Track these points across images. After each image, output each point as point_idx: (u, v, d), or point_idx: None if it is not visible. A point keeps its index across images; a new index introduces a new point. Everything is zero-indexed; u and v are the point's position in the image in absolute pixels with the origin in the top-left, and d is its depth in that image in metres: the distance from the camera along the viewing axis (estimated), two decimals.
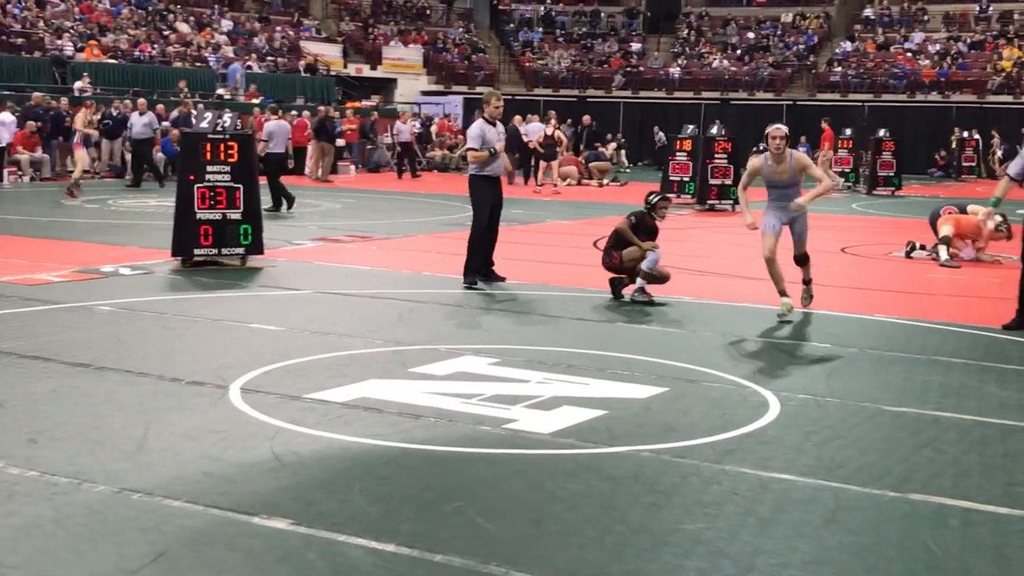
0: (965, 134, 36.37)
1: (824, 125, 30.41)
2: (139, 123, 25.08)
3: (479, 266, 11.58)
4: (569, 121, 34.48)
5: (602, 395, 7.00)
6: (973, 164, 36.36)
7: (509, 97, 43.94)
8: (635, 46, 48.10)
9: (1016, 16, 43.73)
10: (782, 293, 10.07)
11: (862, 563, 4.47)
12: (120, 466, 5.40)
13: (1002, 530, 4.84)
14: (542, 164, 28.37)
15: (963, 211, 15.13)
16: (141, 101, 26.28)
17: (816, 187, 10.30)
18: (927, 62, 42.40)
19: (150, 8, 38.56)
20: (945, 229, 14.57)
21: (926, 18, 45.44)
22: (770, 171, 10.12)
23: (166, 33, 37.08)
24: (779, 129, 10.05)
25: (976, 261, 14.52)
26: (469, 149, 11.86)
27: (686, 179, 23.60)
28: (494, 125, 11.71)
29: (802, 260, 10.31)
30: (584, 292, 11.27)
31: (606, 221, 19.17)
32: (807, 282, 10.32)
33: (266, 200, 16.41)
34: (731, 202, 22.37)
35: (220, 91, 33.12)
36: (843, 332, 9.55)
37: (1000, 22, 43.81)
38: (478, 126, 11.71)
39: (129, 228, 16.44)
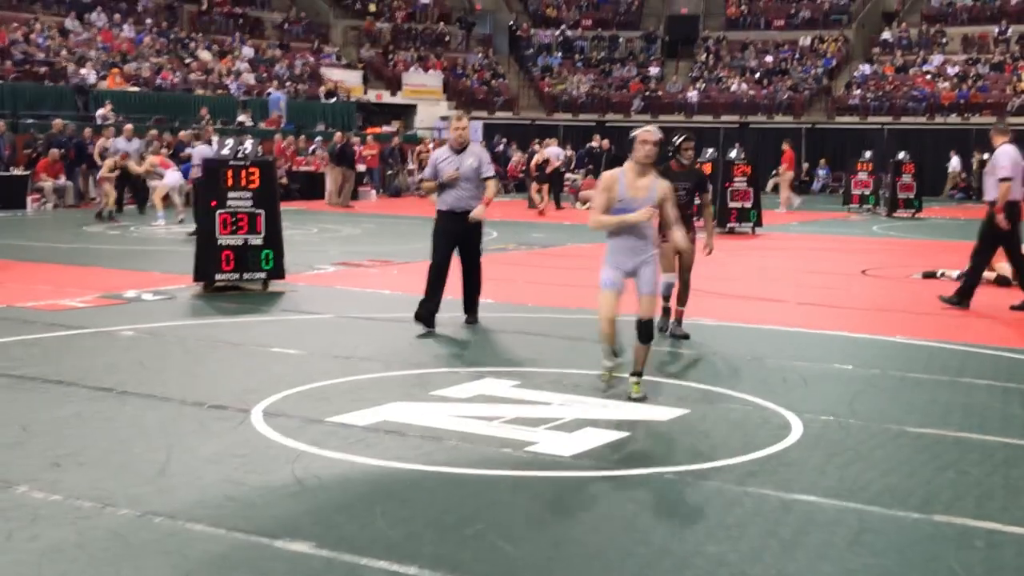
0: (986, 156, 36.23)
1: (785, 146, 30.36)
2: (129, 148, 24.95)
3: (433, 308, 10.23)
4: (568, 146, 34.64)
5: (624, 417, 6.99)
6: None
7: (528, 122, 44.34)
8: (653, 70, 48.20)
9: None
10: (615, 353, 7.79)
11: None
12: (143, 490, 5.42)
13: None
14: (534, 185, 28.89)
15: None
16: (128, 127, 26.30)
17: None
18: (946, 84, 42.33)
19: (172, 36, 38.90)
20: (1002, 268, 14.24)
21: (945, 40, 45.37)
22: (626, 188, 7.60)
23: (187, 61, 37.38)
24: (650, 132, 7.76)
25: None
26: (421, 179, 11.03)
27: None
28: (459, 152, 10.24)
29: (646, 332, 7.50)
30: None
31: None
32: (638, 373, 7.52)
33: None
34: (751, 225, 22.37)
35: (241, 118, 33.33)
36: (865, 353, 9.51)
37: (1019, 44, 43.69)
38: (435, 153, 10.53)
39: (151, 254, 16.53)
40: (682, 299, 10.07)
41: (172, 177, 22.13)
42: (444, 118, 43.67)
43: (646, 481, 5.70)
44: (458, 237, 10.32)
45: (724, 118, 43.61)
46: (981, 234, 12.50)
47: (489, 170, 10.40)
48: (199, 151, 20.50)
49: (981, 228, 12.51)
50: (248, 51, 40.54)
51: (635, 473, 5.84)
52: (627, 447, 6.33)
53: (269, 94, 36.67)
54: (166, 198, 21.95)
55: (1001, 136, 12.60)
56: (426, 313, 10.20)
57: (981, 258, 12.49)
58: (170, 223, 21.25)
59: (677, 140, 10.29)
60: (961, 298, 12.31)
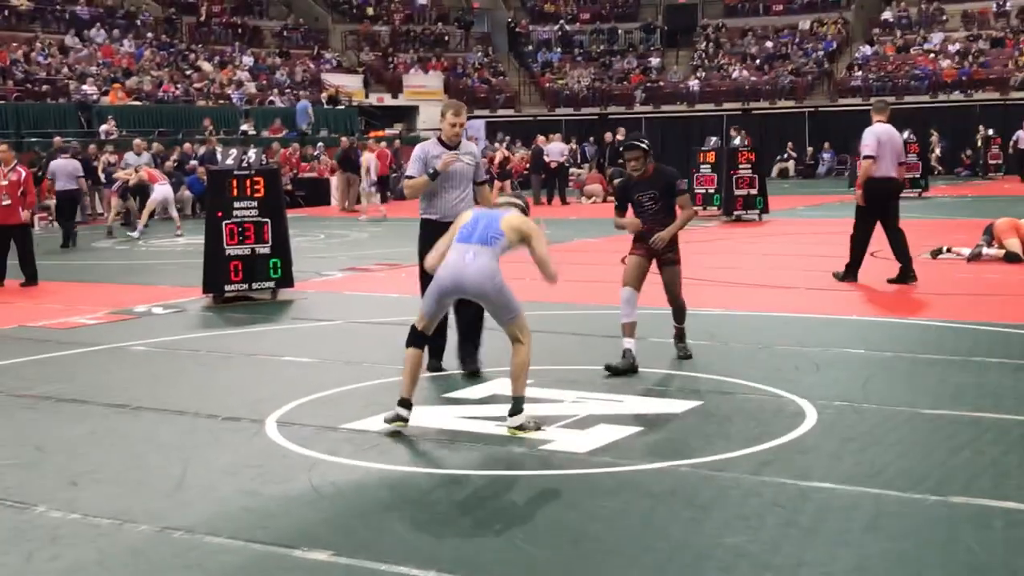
0: (991, 132, 36.16)
1: (732, 133, 30.37)
2: (140, 162, 24.86)
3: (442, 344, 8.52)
4: (574, 141, 34.77)
5: (637, 412, 7.00)
6: (999, 162, 36.14)
7: (530, 118, 44.32)
8: (654, 61, 48.13)
9: None
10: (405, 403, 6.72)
11: (905, 569, 4.44)
12: (160, 505, 5.44)
13: None
14: (496, 183, 29.18)
15: None
16: (137, 141, 26.13)
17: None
18: (948, 62, 42.21)
19: (172, 49, 38.97)
20: (1012, 244, 14.26)
21: (944, 18, 45.22)
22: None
23: (188, 73, 37.45)
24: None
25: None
26: (406, 177, 8.65)
27: (711, 191, 23.59)
28: (448, 148, 8.45)
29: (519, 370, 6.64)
30: (613, 309, 11.25)
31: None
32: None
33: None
34: (757, 212, 22.33)
35: (244, 127, 33.40)
36: (876, 336, 9.50)
37: (1020, 18, 43.53)
38: (422, 147, 8.59)
39: (160, 268, 16.57)
40: (678, 316, 8.84)
41: (160, 191, 22.36)
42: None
43: (662, 475, 5.70)
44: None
45: (726, 105, 43.52)
46: (856, 211, 12.96)
47: (482, 173, 8.87)
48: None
49: (856, 205, 12.98)
50: (248, 60, 40.60)
51: (651, 467, 5.84)
52: (642, 441, 6.34)
53: (297, 103, 37.14)
54: (152, 212, 22.55)
55: (877, 115, 13.06)
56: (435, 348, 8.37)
57: (858, 234, 12.86)
58: (171, 235, 21.53)
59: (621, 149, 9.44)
60: (847, 273, 12.72)
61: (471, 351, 8.49)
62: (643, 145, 8.42)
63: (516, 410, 6.57)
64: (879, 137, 12.65)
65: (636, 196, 8.57)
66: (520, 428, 6.51)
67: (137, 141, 26.36)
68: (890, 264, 14.70)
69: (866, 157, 12.73)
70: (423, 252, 7.79)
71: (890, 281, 12.52)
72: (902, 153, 12.96)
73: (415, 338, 6.90)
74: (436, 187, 8.37)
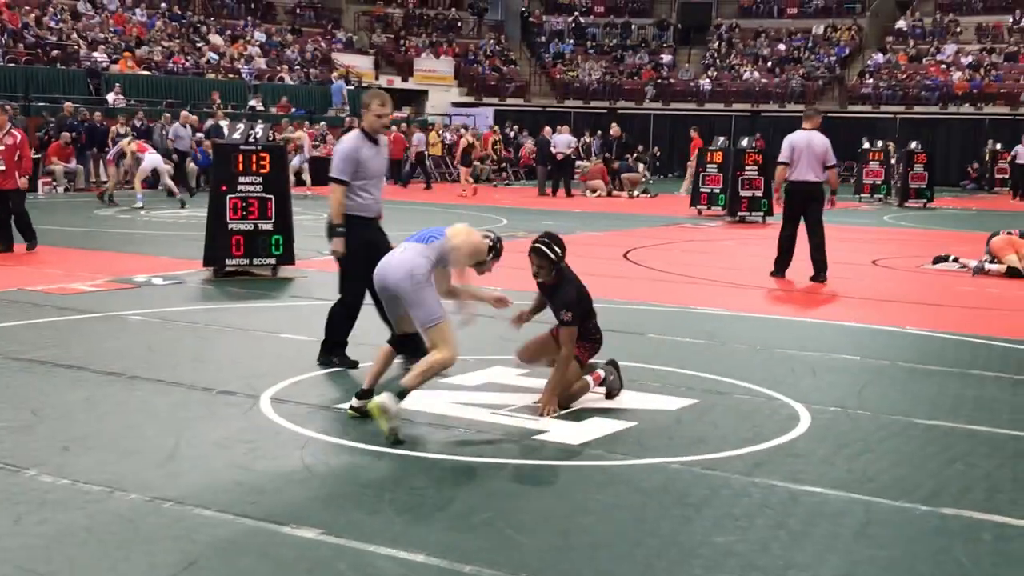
0: (998, 146, 36.15)
1: (692, 133, 30.36)
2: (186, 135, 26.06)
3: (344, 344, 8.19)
4: (588, 133, 34.73)
5: (632, 406, 6.99)
6: (1006, 176, 36.13)
7: (539, 108, 44.28)
8: (666, 58, 48.07)
9: None
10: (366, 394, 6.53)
11: None
12: (152, 475, 5.44)
13: None
14: (464, 170, 30.08)
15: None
16: (184, 113, 26.89)
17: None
18: (960, 74, 42.15)
19: (184, 20, 38.90)
20: (1011, 260, 14.27)
21: (959, 30, 45.16)
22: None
23: (199, 45, 37.38)
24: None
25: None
26: (333, 180, 7.87)
27: (717, 191, 23.60)
28: (375, 142, 7.89)
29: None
30: (614, 303, 11.25)
31: (637, 233, 19.18)
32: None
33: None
34: (762, 214, 22.31)
35: (252, 102, 33.35)
36: (874, 344, 9.50)
37: None
38: (349, 144, 7.84)
39: (162, 238, 16.56)
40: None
41: (149, 160, 22.73)
42: (456, 104, 43.70)
43: (654, 471, 5.70)
44: (380, 251, 7.06)
45: (736, 106, 43.51)
46: (783, 213, 13.86)
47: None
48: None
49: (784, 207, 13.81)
50: (260, 36, 40.54)
51: (643, 463, 5.84)
52: (635, 436, 6.33)
53: (331, 83, 37.62)
54: (144, 182, 22.85)
55: (805, 122, 13.73)
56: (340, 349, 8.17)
57: (783, 234, 13.71)
58: (174, 206, 21.58)
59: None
60: (776, 270, 13.62)
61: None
62: (548, 253, 7.12)
63: (392, 394, 6.04)
64: (793, 144, 13.46)
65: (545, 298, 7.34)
66: (372, 414, 6.00)
67: (184, 113, 26.77)
68: (888, 272, 14.69)
69: (778, 163, 13.65)
70: (358, 251, 7.70)
71: (811, 279, 13.24)
72: (822, 158, 13.39)
73: (391, 336, 6.80)
74: (363, 186, 7.85)
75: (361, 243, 7.73)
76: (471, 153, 30.41)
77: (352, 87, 39.23)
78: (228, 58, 37.07)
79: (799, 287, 13.01)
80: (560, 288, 7.09)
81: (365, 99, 8.06)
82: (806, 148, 13.40)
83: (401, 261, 6.40)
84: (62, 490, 5.18)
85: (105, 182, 24.62)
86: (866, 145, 31.61)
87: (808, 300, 12.05)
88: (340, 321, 8.11)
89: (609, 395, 7.15)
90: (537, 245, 7.14)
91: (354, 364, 8.05)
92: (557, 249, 7.13)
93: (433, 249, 6.48)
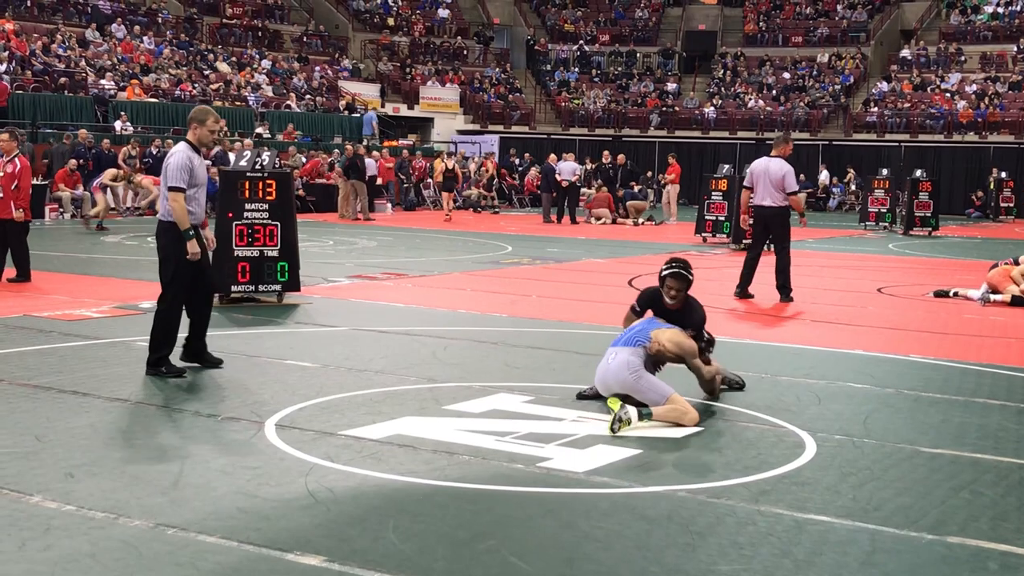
0: (1003, 174, 36.20)
1: (671, 160, 30.55)
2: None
3: (170, 352, 8.60)
4: (588, 160, 34.95)
5: (637, 434, 6.98)
6: (1011, 204, 36.15)
7: (544, 136, 44.41)
8: (671, 86, 48.24)
9: None
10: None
11: None
12: (156, 501, 5.43)
13: None
14: (445, 194, 30.33)
15: (1017, 262, 14.86)
16: (238, 144, 27.20)
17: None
18: (964, 103, 42.25)
19: (191, 48, 39.12)
20: (1012, 290, 14.29)
21: (963, 59, 45.31)
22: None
23: (206, 72, 37.57)
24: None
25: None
26: (174, 189, 8.37)
27: (721, 219, 23.64)
28: (198, 153, 8.66)
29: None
30: (618, 331, 11.25)
31: (641, 260, 19.20)
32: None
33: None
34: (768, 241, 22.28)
35: (259, 130, 33.50)
36: (880, 372, 9.48)
37: None
38: (183, 156, 8.47)
39: None
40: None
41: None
42: (462, 131, 43.85)
43: (659, 499, 5.69)
44: (205, 256, 8.57)
45: (741, 134, 43.63)
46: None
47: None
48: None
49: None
50: (266, 63, 40.74)
51: (648, 490, 5.83)
52: (640, 464, 6.32)
53: (363, 113, 38.74)
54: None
55: (774, 148, 14.31)
56: (187, 358, 8.79)
57: (748, 255, 14.43)
58: None
59: (664, 270, 8.16)
60: (740, 291, 14.14)
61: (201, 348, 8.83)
62: (689, 276, 7.96)
63: (638, 412, 7.10)
64: (752, 170, 14.25)
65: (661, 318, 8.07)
66: (612, 406, 7.04)
67: (246, 141, 27.04)
68: (893, 300, 14.69)
69: (743, 187, 14.67)
70: (179, 256, 8.40)
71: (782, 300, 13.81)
72: (780, 185, 13.86)
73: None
74: (193, 194, 8.50)
75: (184, 249, 8.38)
76: (452, 178, 30.55)
77: (359, 114, 39.39)
78: (235, 86, 37.24)
79: (804, 314, 13.00)
80: (692, 311, 8.03)
81: (199, 115, 8.67)
82: (763, 174, 14.03)
83: (618, 366, 7.48)
84: (66, 516, 5.18)
85: (114, 209, 24.77)
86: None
87: (813, 328, 12.04)
88: (171, 326, 8.56)
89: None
90: (677, 271, 8.00)
91: (217, 362, 8.79)
92: (691, 274, 8.04)
93: (640, 351, 7.56)
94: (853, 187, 40.25)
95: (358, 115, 39.21)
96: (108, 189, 23.77)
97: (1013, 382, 9.14)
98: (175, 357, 8.68)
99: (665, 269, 8.04)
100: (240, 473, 5.94)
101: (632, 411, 7.09)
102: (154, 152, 27.50)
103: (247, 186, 12.37)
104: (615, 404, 7.08)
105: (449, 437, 6.76)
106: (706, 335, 8.07)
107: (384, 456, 6.34)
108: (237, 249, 12.31)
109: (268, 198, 12.47)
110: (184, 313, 8.75)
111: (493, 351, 10.08)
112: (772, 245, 14.38)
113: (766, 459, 6.49)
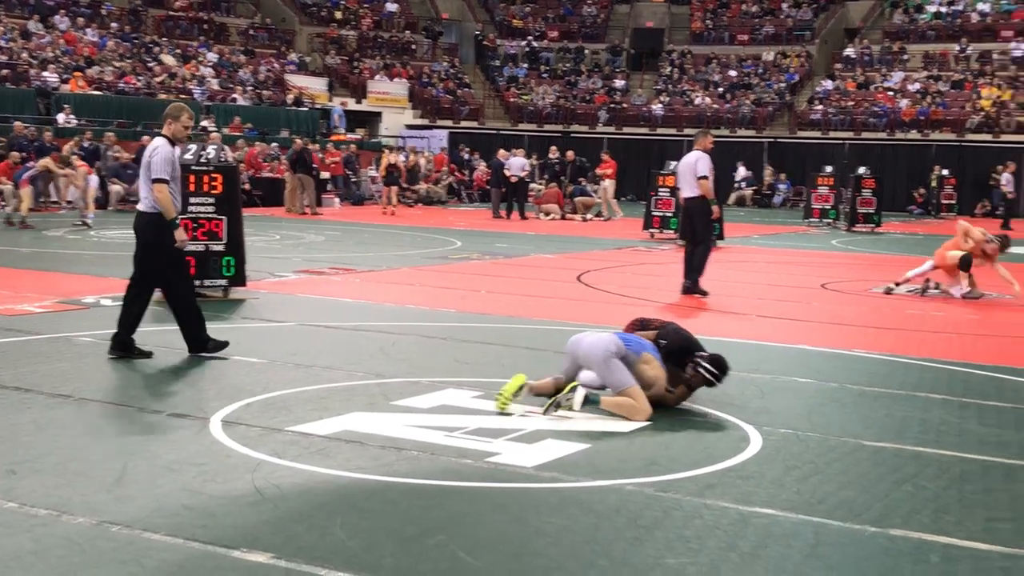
0: (945, 172, 36.72)
1: (605, 156, 30.85)
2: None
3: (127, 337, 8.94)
4: (535, 156, 35.08)
5: (585, 429, 7.01)
6: (952, 201, 36.68)
7: (493, 132, 44.41)
8: (619, 83, 48.42)
9: (995, 56, 44.20)
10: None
11: None
12: (100, 498, 5.37)
13: (981, 566, 4.86)
14: (393, 189, 30.14)
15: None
16: (213, 134, 26.80)
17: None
18: (907, 101, 42.80)
19: (136, 41, 38.66)
20: (956, 254, 14.64)
21: (906, 57, 45.88)
22: None
23: (151, 65, 37.16)
24: None
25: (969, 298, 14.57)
26: (160, 181, 8.76)
27: (668, 215, 23.77)
28: (174, 146, 9.10)
29: None
30: (567, 326, 11.29)
31: (589, 255, 19.27)
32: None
33: None
34: (714, 237, 22.43)
35: (204, 123, 33.18)
36: (824, 367, 9.59)
37: (979, 62, 44.27)
38: (166, 149, 8.90)
39: (111, 259, 16.40)
40: None
41: (94, 181, 23.02)
42: (410, 126, 43.72)
43: (607, 493, 5.71)
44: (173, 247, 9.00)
45: (688, 131, 43.81)
46: None
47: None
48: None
49: None
50: (212, 56, 40.36)
51: (596, 485, 5.85)
52: (588, 459, 6.35)
53: (331, 110, 38.92)
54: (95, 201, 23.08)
55: (695, 143, 14.52)
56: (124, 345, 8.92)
57: (688, 247, 14.56)
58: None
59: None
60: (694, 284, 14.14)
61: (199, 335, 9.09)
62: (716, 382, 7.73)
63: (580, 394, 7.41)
64: (677, 167, 14.70)
65: None
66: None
67: (213, 134, 26.75)
68: (836, 296, 14.86)
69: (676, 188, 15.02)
70: (167, 245, 8.84)
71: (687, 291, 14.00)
72: (693, 172, 14.02)
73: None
74: (175, 187, 8.94)
75: (170, 238, 8.82)
76: (395, 172, 30.49)
77: (306, 108, 39.14)
78: (180, 79, 36.87)
79: (749, 310, 13.12)
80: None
81: (174, 111, 9.10)
82: (683, 167, 14.44)
83: (598, 340, 7.57)
84: (8, 513, 5.11)
85: (56, 203, 24.41)
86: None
87: (758, 323, 12.15)
88: (188, 307, 9.05)
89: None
90: (714, 382, 7.79)
91: (149, 354, 8.90)
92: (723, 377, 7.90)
93: (626, 352, 7.55)
94: (769, 181, 41.02)
95: (305, 109, 38.97)
96: (37, 182, 23.30)
97: (954, 377, 9.28)
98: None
99: (710, 375, 7.67)
100: (186, 470, 5.89)
101: (579, 396, 7.32)
102: (85, 145, 27.14)
103: (192, 180, 12.25)
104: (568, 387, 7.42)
105: (398, 433, 6.75)
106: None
107: (332, 452, 6.31)
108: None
109: (214, 192, 12.36)
110: (131, 305, 8.93)
111: (442, 346, 10.08)
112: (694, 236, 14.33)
113: (712, 453, 6.55)
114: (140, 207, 9.01)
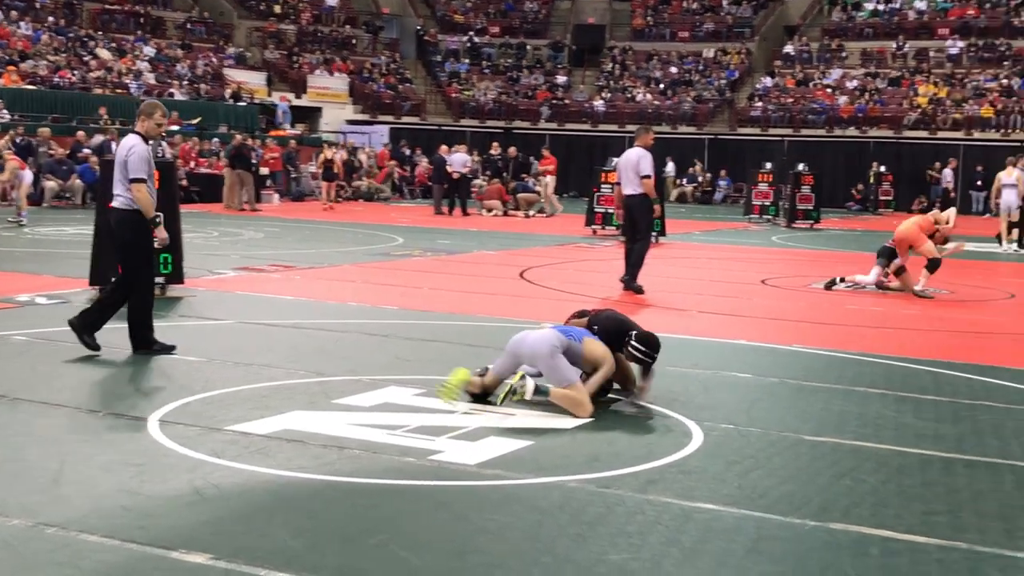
0: (883, 168, 37.20)
1: (545, 152, 31.11)
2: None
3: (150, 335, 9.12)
4: (476, 152, 35.10)
5: (528, 425, 7.00)
6: (890, 198, 37.18)
7: (435, 127, 44.30)
8: (561, 79, 48.52)
9: (932, 53, 44.88)
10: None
11: None
12: (35, 499, 5.27)
13: (920, 559, 4.92)
14: (332, 185, 30.58)
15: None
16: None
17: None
18: (845, 98, 43.30)
19: (71, 35, 38.07)
20: (929, 249, 14.87)
21: (844, 55, 46.43)
22: None
23: (87, 59, 36.62)
24: None
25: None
26: (138, 181, 8.83)
27: (611, 211, 23.83)
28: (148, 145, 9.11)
29: None
30: (510, 322, 11.28)
31: (533, 252, 19.28)
32: None
33: None
34: (654, 235, 22.55)
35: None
36: (764, 362, 9.66)
37: (916, 59, 44.93)
38: (140, 147, 8.92)
39: (46, 256, 16.14)
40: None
41: (28, 177, 22.86)
42: (351, 121, 43.49)
43: (550, 490, 5.71)
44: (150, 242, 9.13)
45: (630, 127, 43.99)
46: None
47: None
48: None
49: None
50: (149, 50, 39.86)
51: (539, 482, 5.85)
52: (531, 455, 6.34)
53: (276, 105, 38.77)
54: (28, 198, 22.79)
55: (636, 139, 14.65)
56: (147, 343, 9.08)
57: (628, 243, 14.65)
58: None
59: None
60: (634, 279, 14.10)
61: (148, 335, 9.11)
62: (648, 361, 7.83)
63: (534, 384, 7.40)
64: (617, 164, 14.72)
65: None
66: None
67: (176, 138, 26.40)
68: (776, 292, 14.99)
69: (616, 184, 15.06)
70: (143, 244, 8.98)
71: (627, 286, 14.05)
72: (635, 169, 14.10)
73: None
74: (150, 185, 9.00)
75: (146, 237, 8.99)
76: (332, 168, 30.53)
77: (245, 103, 38.78)
78: (116, 73, 36.37)
79: (690, 305, 13.19)
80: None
81: (148, 108, 9.12)
82: (624, 164, 14.49)
83: (541, 337, 7.56)
84: None
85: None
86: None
87: (699, 319, 12.23)
88: (147, 307, 9.12)
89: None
90: (648, 362, 7.90)
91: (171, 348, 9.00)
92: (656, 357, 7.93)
93: (567, 343, 7.56)
94: (700, 180, 41.53)
95: (244, 104, 38.61)
96: None
97: (892, 371, 9.39)
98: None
99: (640, 352, 7.77)
100: (123, 470, 5.80)
101: (530, 385, 7.27)
102: (18, 140, 26.69)
103: None
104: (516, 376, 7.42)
105: (339, 431, 6.70)
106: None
107: (272, 451, 6.25)
108: None
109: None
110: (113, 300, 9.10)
111: (384, 344, 10.02)
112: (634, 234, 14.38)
113: (654, 449, 6.57)
114: (115, 204, 9.01)
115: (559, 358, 7.48)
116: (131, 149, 8.88)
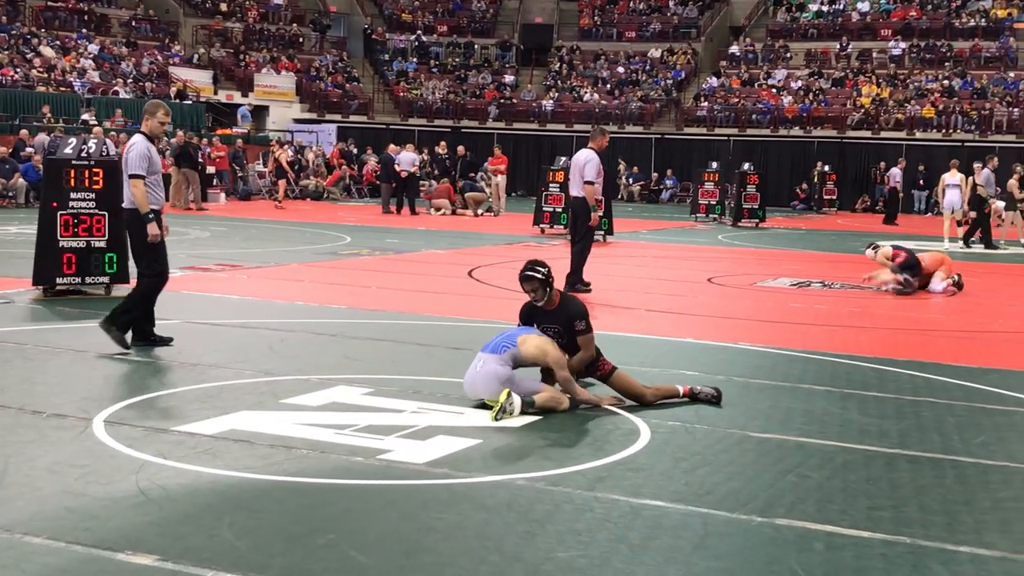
0: (827, 168, 37.61)
1: (496, 151, 31.30)
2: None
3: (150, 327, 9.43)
4: (425, 151, 35.16)
5: (476, 424, 7.01)
6: (834, 197, 37.59)
7: (383, 126, 44.16)
8: (508, 78, 48.54)
9: (875, 54, 45.43)
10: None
11: None
12: None
13: (864, 553, 4.98)
14: (282, 183, 31.13)
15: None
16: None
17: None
18: (790, 98, 43.72)
19: (13, 32, 37.52)
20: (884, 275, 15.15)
21: (789, 55, 46.87)
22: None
23: (29, 56, 36.11)
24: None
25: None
26: (135, 177, 9.06)
27: (559, 210, 23.91)
28: (153, 143, 9.34)
29: None
30: (458, 321, 11.29)
31: (481, 251, 19.28)
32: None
33: None
34: (602, 234, 22.67)
35: (85, 116, 32.36)
36: (710, 360, 9.74)
37: (859, 60, 45.44)
38: (142, 145, 9.14)
39: None
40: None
41: None
42: (299, 120, 43.26)
43: (498, 488, 5.72)
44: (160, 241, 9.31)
45: (577, 127, 44.17)
46: None
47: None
48: None
49: None
50: (94, 48, 39.38)
51: (487, 480, 5.86)
52: (479, 454, 6.35)
53: (239, 107, 39.14)
54: None
55: (591, 141, 14.38)
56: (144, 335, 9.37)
57: (573, 244, 14.48)
58: None
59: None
60: (576, 282, 14.04)
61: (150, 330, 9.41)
62: (539, 275, 7.75)
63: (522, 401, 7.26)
64: (570, 162, 14.76)
65: (542, 326, 7.84)
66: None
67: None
68: (723, 290, 15.12)
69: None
70: (154, 244, 9.17)
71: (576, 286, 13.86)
72: (577, 175, 14.14)
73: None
74: (154, 181, 9.27)
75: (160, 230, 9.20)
76: (280, 166, 30.86)
77: (190, 102, 38.43)
78: (60, 71, 35.89)
79: (637, 304, 13.26)
80: (566, 305, 7.92)
81: (151, 108, 9.36)
82: (573, 165, 14.60)
83: (486, 376, 7.40)
84: None
85: None
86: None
87: (646, 317, 12.30)
88: (151, 296, 9.36)
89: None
90: (526, 273, 7.83)
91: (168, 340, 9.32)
92: (543, 269, 7.85)
93: (507, 358, 7.47)
94: (625, 180, 41.90)
95: (190, 102, 38.25)
96: None
97: (837, 368, 9.50)
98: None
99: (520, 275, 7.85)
100: (67, 472, 5.74)
101: (516, 401, 7.18)
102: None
103: (72, 175, 11.94)
104: (503, 395, 7.20)
105: (287, 431, 6.67)
106: (712, 391, 7.88)
107: (219, 452, 6.21)
108: (62, 240, 11.88)
109: (95, 187, 12.06)
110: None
111: (332, 343, 9.99)
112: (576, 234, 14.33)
113: (602, 446, 6.60)
114: (124, 204, 9.35)
115: (515, 380, 7.42)
116: (131, 147, 9.17)
